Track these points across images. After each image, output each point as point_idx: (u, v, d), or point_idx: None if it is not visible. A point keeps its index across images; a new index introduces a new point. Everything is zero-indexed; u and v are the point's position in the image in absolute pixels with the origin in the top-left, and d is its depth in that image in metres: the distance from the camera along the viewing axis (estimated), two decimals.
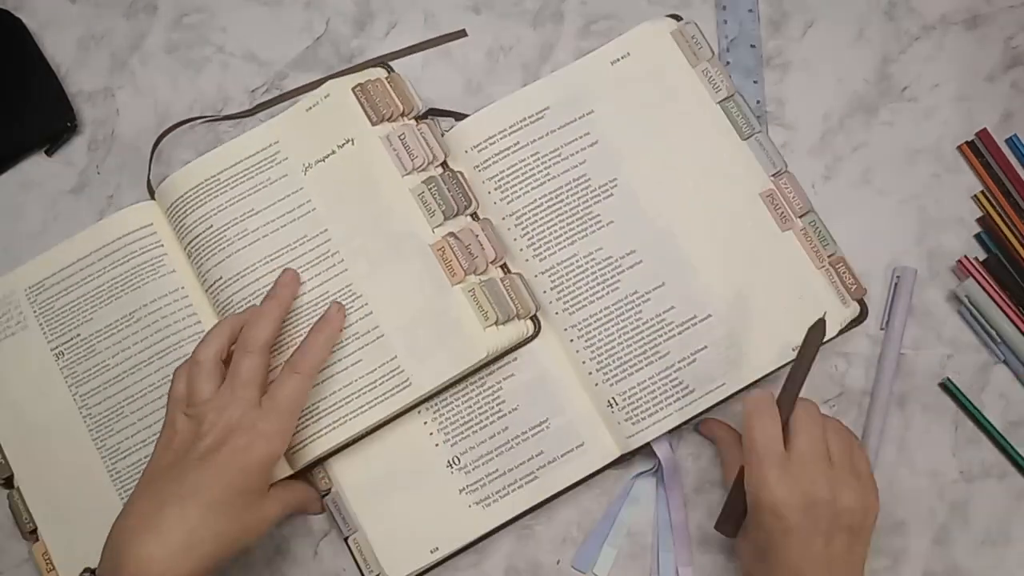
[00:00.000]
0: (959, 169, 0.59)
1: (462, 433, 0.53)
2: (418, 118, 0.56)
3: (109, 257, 0.55)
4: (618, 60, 0.56)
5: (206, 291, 0.55)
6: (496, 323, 0.52)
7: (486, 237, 0.54)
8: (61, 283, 0.55)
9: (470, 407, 0.54)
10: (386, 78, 0.56)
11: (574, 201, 0.55)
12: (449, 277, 0.52)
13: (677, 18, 0.57)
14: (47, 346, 0.55)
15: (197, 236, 0.55)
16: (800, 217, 0.55)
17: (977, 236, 0.58)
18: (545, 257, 0.54)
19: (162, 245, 0.55)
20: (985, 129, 0.58)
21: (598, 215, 0.55)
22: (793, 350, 0.52)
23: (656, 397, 0.53)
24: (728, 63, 0.60)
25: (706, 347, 0.53)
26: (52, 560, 0.53)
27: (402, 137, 0.54)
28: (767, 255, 0.54)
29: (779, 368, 0.53)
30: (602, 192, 0.55)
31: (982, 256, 0.57)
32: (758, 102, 0.59)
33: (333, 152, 0.54)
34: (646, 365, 0.53)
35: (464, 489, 0.53)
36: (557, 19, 0.61)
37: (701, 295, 0.54)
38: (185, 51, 0.62)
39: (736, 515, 0.48)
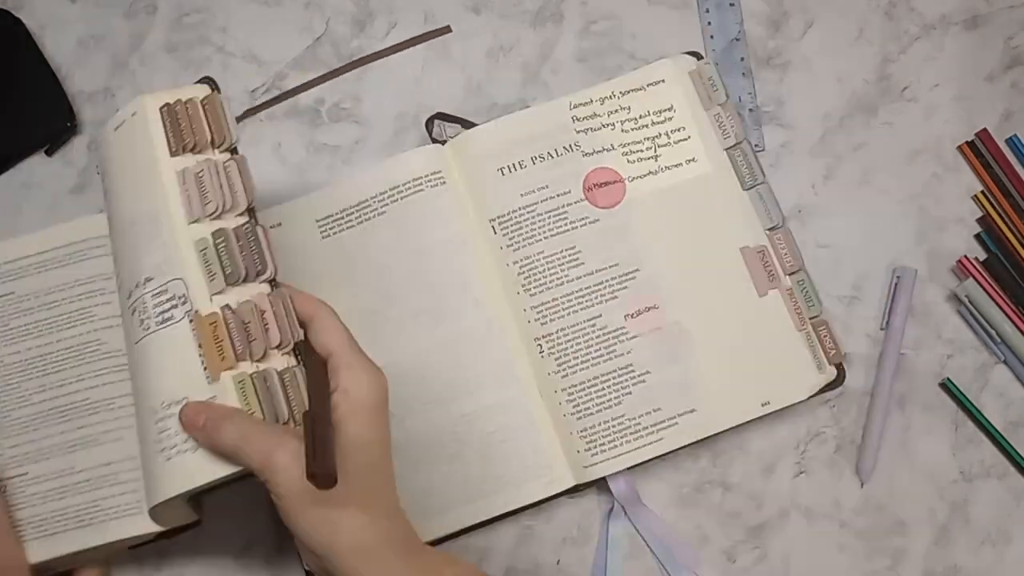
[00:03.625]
0: (959, 169, 0.59)
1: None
2: (233, 150, 0.46)
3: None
4: (629, 92, 0.57)
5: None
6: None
7: (274, 314, 0.43)
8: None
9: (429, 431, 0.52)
10: (203, 99, 0.47)
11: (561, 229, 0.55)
12: (216, 361, 0.42)
13: (697, 56, 0.57)
14: None
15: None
16: (790, 275, 0.54)
17: (977, 236, 0.58)
18: (535, 293, 0.54)
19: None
20: (985, 129, 0.58)
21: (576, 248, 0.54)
22: (763, 405, 0.52)
23: (615, 435, 0.52)
24: (716, 64, 0.60)
25: (671, 394, 0.52)
26: None
27: (199, 175, 0.45)
28: (748, 311, 0.53)
29: (745, 423, 0.53)
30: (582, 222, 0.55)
31: (982, 256, 0.57)
32: (750, 93, 0.60)
33: (123, 175, 0.47)
34: (614, 405, 0.52)
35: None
36: (557, 19, 0.61)
37: (675, 343, 0.53)
38: (185, 51, 0.62)
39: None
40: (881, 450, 0.55)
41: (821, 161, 0.59)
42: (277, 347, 0.43)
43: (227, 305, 0.43)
